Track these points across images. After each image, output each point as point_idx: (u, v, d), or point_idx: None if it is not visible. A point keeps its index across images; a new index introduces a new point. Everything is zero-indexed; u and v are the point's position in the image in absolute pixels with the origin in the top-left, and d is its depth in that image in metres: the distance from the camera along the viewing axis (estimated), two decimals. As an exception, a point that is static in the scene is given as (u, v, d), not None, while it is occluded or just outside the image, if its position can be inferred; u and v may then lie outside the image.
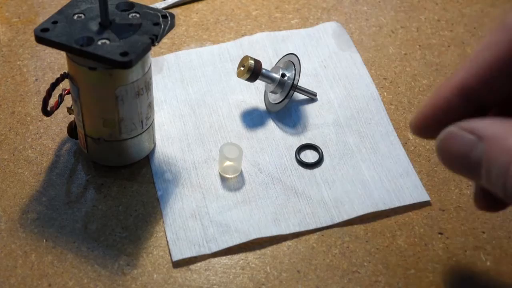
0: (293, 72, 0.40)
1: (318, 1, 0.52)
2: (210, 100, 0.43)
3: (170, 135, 0.40)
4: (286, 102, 0.41)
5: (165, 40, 0.48)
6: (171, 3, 0.51)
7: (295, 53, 0.43)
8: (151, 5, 0.37)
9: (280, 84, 0.41)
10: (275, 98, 0.41)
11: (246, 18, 0.50)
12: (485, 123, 0.28)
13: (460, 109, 0.30)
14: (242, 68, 0.40)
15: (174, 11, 0.50)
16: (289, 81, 0.40)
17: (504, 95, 0.30)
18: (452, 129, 0.29)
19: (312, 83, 0.44)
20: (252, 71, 0.40)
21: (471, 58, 0.30)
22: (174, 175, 0.38)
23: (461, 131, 0.28)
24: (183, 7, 0.51)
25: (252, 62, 0.40)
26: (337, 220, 0.36)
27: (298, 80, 0.40)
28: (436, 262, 0.35)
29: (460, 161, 0.28)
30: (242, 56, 0.44)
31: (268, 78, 0.41)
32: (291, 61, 0.41)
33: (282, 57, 0.43)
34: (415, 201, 0.37)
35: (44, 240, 0.35)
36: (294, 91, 0.41)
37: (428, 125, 0.30)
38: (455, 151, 0.28)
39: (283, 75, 0.41)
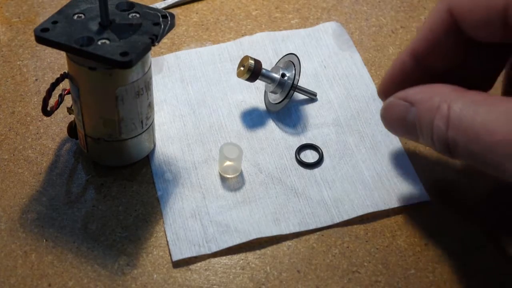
0: (293, 72, 0.40)
1: (318, 1, 0.52)
2: (210, 100, 0.43)
3: (170, 135, 0.40)
4: (286, 102, 0.41)
5: (165, 40, 0.48)
6: (171, 3, 0.51)
7: (295, 53, 0.43)
8: (151, 5, 0.37)
9: (280, 84, 0.41)
10: (275, 98, 0.41)
11: (246, 18, 0.50)
12: (415, 90, 0.32)
13: (413, 73, 0.35)
14: (242, 68, 0.41)
15: (174, 11, 0.50)
16: (289, 81, 0.40)
17: (449, 61, 0.35)
18: (391, 99, 0.34)
19: (312, 83, 0.44)
20: (252, 71, 0.40)
21: (421, 27, 0.35)
22: (174, 175, 0.38)
23: (397, 99, 0.33)
24: (183, 7, 0.51)
25: (252, 62, 0.40)
26: (337, 220, 0.36)
27: (298, 80, 0.40)
28: (436, 262, 0.35)
29: (399, 125, 0.33)
30: (242, 56, 0.44)
31: (268, 78, 0.41)
32: (291, 61, 0.41)
33: (282, 57, 0.43)
34: (415, 201, 0.37)
35: (44, 240, 0.35)
36: (294, 91, 0.41)
37: (389, 89, 0.36)
38: (394, 117, 0.34)
39: (283, 75, 0.41)
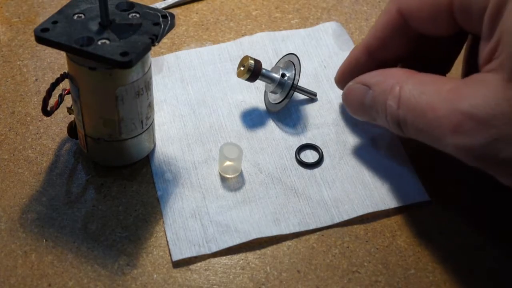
0: (293, 72, 0.40)
1: (318, 1, 0.52)
2: (210, 100, 0.43)
3: (170, 135, 0.40)
4: (286, 102, 0.41)
5: (165, 40, 0.48)
6: (171, 3, 0.51)
7: (295, 53, 0.43)
8: (151, 5, 0.37)
9: (280, 84, 0.41)
10: (275, 98, 0.41)
11: (246, 18, 0.50)
12: (372, 74, 0.36)
13: (367, 65, 0.38)
14: (242, 68, 0.40)
15: (174, 11, 0.50)
16: (289, 81, 0.40)
17: (401, 53, 0.38)
18: (350, 83, 0.37)
19: (312, 83, 0.44)
20: (252, 71, 0.40)
21: (374, 24, 0.38)
22: (174, 175, 0.38)
23: (356, 84, 0.37)
24: (183, 7, 0.51)
25: (252, 62, 0.40)
26: (337, 220, 0.36)
27: (298, 80, 0.40)
28: (436, 262, 0.35)
29: (359, 108, 0.37)
30: (242, 56, 0.44)
31: (268, 78, 0.41)
32: (291, 61, 0.41)
33: (282, 57, 0.43)
34: (415, 201, 0.37)
35: (44, 240, 0.35)
36: (294, 91, 0.41)
37: (345, 79, 0.39)
38: (354, 100, 0.37)
39: (283, 75, 0.41)
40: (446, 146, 0.31)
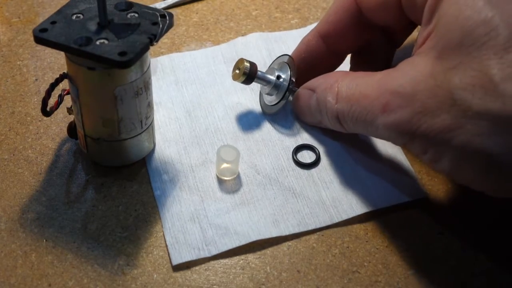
0: (288, 73, 0.40)
1: (318, 1, 0.52)
2: (205, 103, 0.43)
3: (166, 138, 0.40)
4: (283, 103, 0.41)
5: (165, 40, 0.48)
6: (171, 3, 0.51)
7: (288, 53, 0.43)
8: (150, 5, 0.37)
9: (276, 86, 0.40)
10: (271, 100, 0.41)
11: (246, 18, 0.50)
12: (317, 79, 0.38)
13: (320, 51, 0.40)
14: (237, 71, 0.40)
15: (174, 11, 0.50)
16: (285, 83, 0.40)
17: (354, 43, 0.40)
18: (299, 89, 0.40)
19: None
20: (248, 74, 0.40)
21: (328, 11, 0.40)
22: (172, 178, 0.38)
23: (303, 89, 0.39)
24: (183, 7, 0.51)
25: (247, 65, 0.40)
26: (336, 219, 0.36)
27: (294, 82, 0.40)
28: (436, 262, 0.34)
29: (306, 111, 0.39)
30: (236, 58, 0.44)
31: (263, 80, 0.41)
32: (285, 63, 0.41)
33: (276, 59, 0.42)
34: (413, 199, 0.37)
35: (44, 240, 0.35)
36: (290, 93, 0.41)
37: (298, 65, 0.41)
38: (301, 104, 0.39)
39: (278, 77, 0.41)
40: (377, 129, 0.33)
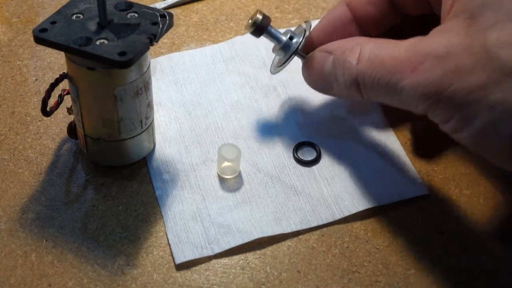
0: (302, 38, 0.39)
1: (318, 1, 0.52)
2: (205, 102, 0.43)
3: (166, 138, 0.40)
4: (286, 65, 0.39)
5: (165, 40, 0.48)
6: (171, 3, 0.51)
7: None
8: (150, 5, 0.37)
9: (285, 46, 0.39)
10: (279, 61, 0.40)
11: (246, 18, 0.50)
12: (334, 42, 0.36)
13: (348, 26, 0.39)
14: (249, 21, 0.39)
15: (174, 11, 0.50)
16: (294, 45, 0.39)
17: (384, 23, 0.39)
18: (313, 52, 0.37)
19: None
20: (257, 26, 0.38)
21: None
22: (173, 177, 0.38)
23: (318, 52, 0.37)
24: (183, 7, 0.51)
25: (259, 17, 0.38)
26: (337, 216, 0.36)
27: (301, 44, 0.38)
28: (436, 262, 0.34)
29: (317, 75, 0.37)
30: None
31: (273, 37, 0.39)
32: (303, 28, 0.39)
33: (300, 25, 0.41)
34: (414, 195, 0.37)
35: (44, 240, 0.35)
36: (298, 56, 0.39)
37: (321, 40, 0.39)
38: (314, 67, 0.37)
39: (291, 38, 0.39)
40: (401, 92, 0.31)
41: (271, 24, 0.39)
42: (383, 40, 0.34)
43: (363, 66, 0.33)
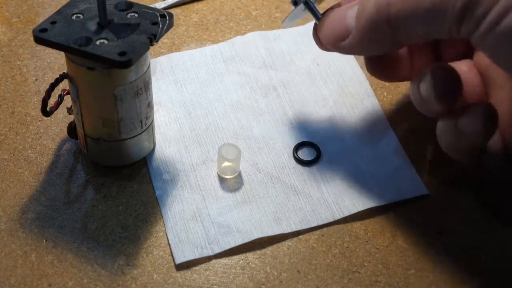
0: None
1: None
2: (205, 102, 0.43)
3: (166, 138, 0.40)
4: (296, 15, 0.38)
5: (165, 40, 0.48)
6: (171, 3, 0.51)
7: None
8: (150, 5, 0.37)
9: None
10: (292, 13, 0.38)
11: (246, 18, 0.50)
12: None
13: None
14: None
15: (174, 11, 0.50)
16: None
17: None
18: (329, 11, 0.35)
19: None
20: None
21: None
22: (173, 177, 0.38)
23: (341, 7, 0.34)
24: (183, 7, 0.51)
25: None
26: (338, 216, 0.36)
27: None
28: (436, 262, 0.34)
29: (335, 22, 0.34)
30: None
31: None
32: None
33: None
34: (414, 195, 0.37)
35: (44, 240, 0.35)
36: (306, 6, 0.37)
37: None
38: (333, 15, 0.34)
39: None
40: (446, 15, 0.28)
41: None
42: None
43: None
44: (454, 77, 0.33)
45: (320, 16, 0.37)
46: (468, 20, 0.29)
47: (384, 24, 0.31)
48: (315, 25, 0.37)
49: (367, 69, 0.38)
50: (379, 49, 0.33)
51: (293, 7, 0.37)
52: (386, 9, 0.31)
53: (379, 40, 0.32)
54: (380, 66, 0.38)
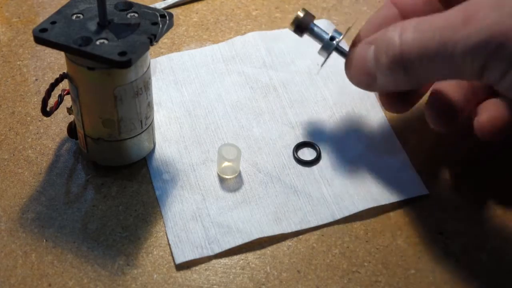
0: (342, 34, 0.38)
1: (318, 1, 0.52)
2: (205, 102, 0.43)
3: (166, 138, 0.40)
4: (324, 62, 0.39)
5: (165, 40, 0.48)
6: (171, 3, 0.51)
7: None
8: (150, 5, 0.37)
9: (326, 46, 0.38)
10: (321, 60, 0.39)
11: (246, 18, 0.50)
12: (375, 34, 0.34)
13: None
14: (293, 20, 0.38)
15: (174, 11, 0.50)
16: (333, 43, 0.38)
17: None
18: (354, 47, 0.36)
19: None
20: (297, 24, 0.37)
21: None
22: (173, 177, 0.38)
23: (360, 44, 0.35)
24: (183, 7, 0.51)
25: (301, 14, 0.37)
26: (338, 216, 0.36)
27: (339, 40, 0.38)
28: (436, 262, 0.34)
29: (361, 68, 0.35)
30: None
31: (315, 36, 0.38)
32: (349, 27, 0.39)
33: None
34: (414, 195, 0.37)
35: (44, 240, 0.35)
36: (336, 51, 0.38)
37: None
38: (356, 58, 0.35)
39: (331, 38, 0.38)
40: (454, 48, 0.29)
41: (315, 22, 0.38)
42: (426, 16, 0.31)
43: (407, 36, 0.31)
44: (447, 105, 0.35)
45: (347, 53, 0.37)
46: (493, 69, 0.29)
47: (401, 71, 0.32)
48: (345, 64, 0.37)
49: (383, 105, 0.38)
50: (407, 87, 0.34)
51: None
52: (399, 57, 0.31)
53: (404, 81, 0.33)
54: (396, 103, 0.38)
